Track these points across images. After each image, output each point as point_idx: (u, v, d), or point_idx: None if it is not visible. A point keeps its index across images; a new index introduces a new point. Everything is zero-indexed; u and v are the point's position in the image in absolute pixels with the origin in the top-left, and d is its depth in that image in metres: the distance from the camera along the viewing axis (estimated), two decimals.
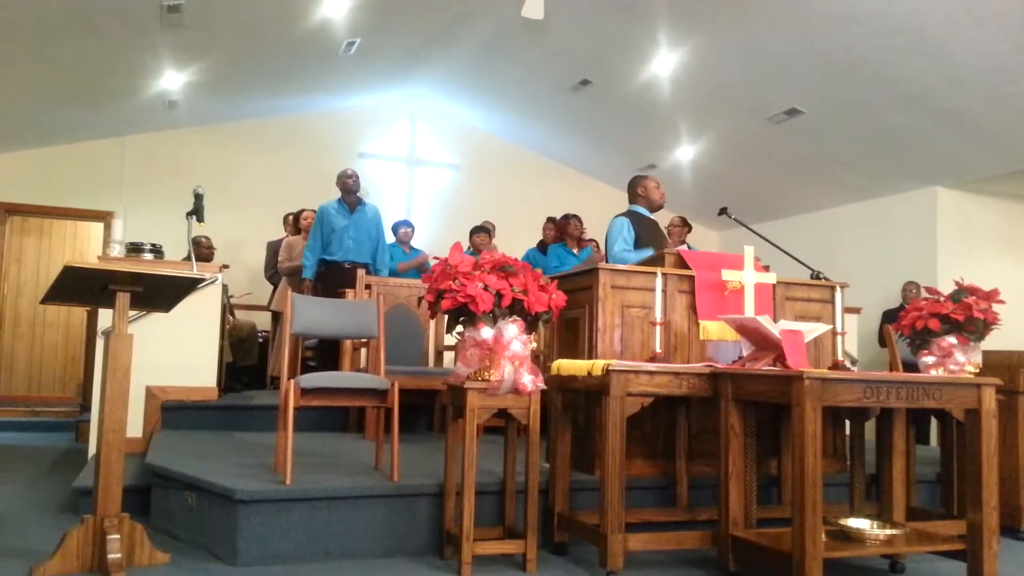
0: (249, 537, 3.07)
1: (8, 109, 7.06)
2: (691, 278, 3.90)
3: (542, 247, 7.43)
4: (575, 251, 6.99)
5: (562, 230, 7.17)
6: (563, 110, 8.49)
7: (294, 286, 6.13)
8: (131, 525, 2.98)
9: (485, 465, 3.62)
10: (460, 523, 3.01)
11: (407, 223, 7.56)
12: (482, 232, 7.32)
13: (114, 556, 2.83)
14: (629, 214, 4.73)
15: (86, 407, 6.40)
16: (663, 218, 5.76)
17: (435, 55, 7.95)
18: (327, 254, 6.04)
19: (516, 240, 7.61)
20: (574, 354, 3.81)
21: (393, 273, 6.64)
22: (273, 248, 7.32)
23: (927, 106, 6.29)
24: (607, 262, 4.45)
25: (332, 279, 5.90)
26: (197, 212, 4.94)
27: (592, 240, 7.42)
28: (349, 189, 6.12)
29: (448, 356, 5.48)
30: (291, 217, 7.27)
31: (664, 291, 3.63)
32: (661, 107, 7.55)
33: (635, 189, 4.78)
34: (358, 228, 6.08)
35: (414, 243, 7.60)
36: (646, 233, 4.65)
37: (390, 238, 7.28)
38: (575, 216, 7.13)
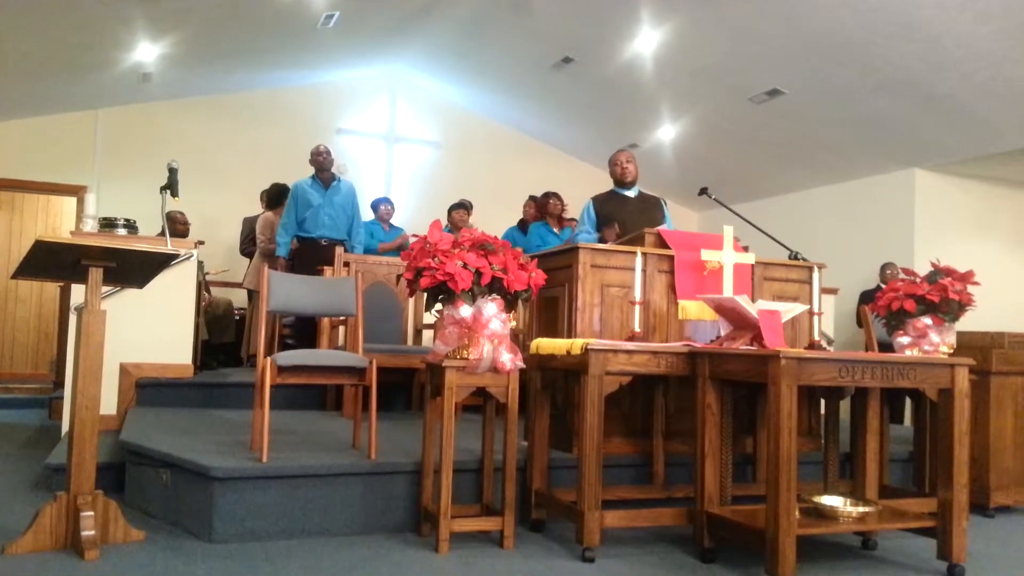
0: (225, 514, 3.06)
1: None
2: (671, 258, 3.91)
3: (522, 225, 7.39)
4: (556, 230, 6.96)
5: (542, 209, 7.13)
6: (545, 88, 8.43)
7: (271, 264, 6.07)
8: (105, 502, 2.95)
9: (463, 443, 3.62)
10: (438, 500, 3.01)
11: (387, 200, 7.46)
12: (460, 208, 7.26)
13: (88, 533, 2.80)
14: (600, 195, 4.82)
15: (59, 384, 6.32)
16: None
17: (415, 30, 7.84)
18: (303, 231, 6.00)
19: (495, 219, 7.57)
20: (553, 333, 3.81)
21: (371, 251, 6.59)
22: (249, 224, 7.22)
23: (908, 89, 6.32)
24: None
25: (309, 256, 5.85)
26: (171, 187, 4.86)
27: (573, 220, 7.38)
28: (321, 166, 6.07)
29: (427, 334, 5.46)
30: (265, 193, 7.16)
31: (644, 271, 3.64)
32: (643, 86, 7.52)
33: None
34: (333, 205, 6.05)
35: (394, 221, 7.53)
36: (613, 212, 4.65)
37: (369, 215, 7.21)
38: (555, 194, 7.08)
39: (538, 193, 7.44)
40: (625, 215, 4.62)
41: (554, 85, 8.24)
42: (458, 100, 9.59)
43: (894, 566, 3.13)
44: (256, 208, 7.33)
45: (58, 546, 2.86)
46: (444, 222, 6.95)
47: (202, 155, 8.12)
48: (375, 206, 7.34)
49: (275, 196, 6.83)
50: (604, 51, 7.14)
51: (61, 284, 6.64)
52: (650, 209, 4.81)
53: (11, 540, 2.83)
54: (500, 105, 9.45)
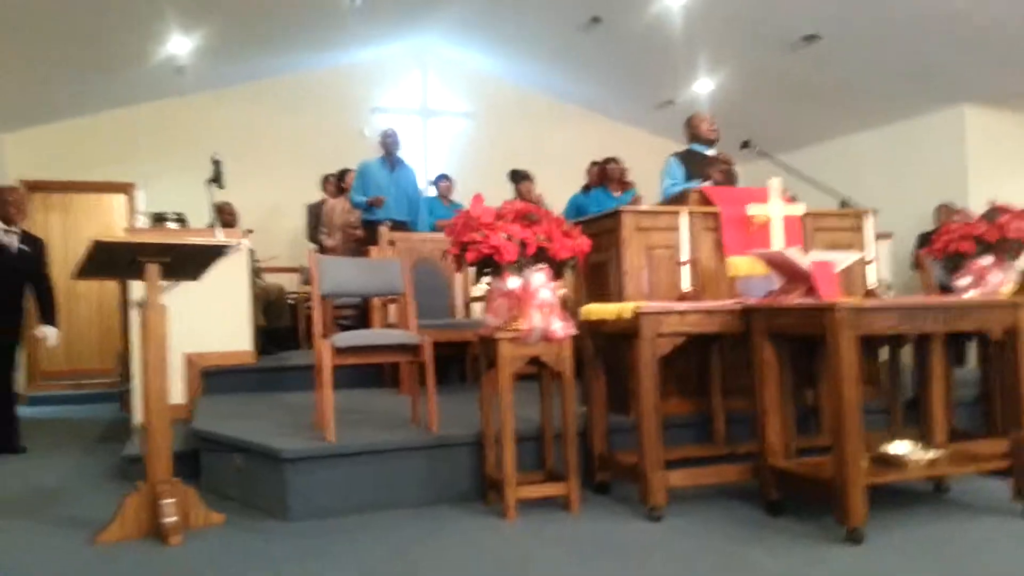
0: (298, 493, 3.16)
1: (20, 84, 7.05)
2: (716, 215, 3.86)
3: (587, 190, 7.34)
4: (616, 194, 6.88)
5: (602, 174, 7.06)
6: (575, 50, 8.31)
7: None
8: (184, 489, 3.06)
9: (521, 412, 3.65)
10: (501, 469, 3.06)
11: (446, 177, 7.54)
12: (526, 180, 7.09)
13: (170, 520, 2.92)
14: (682, 153, 4.90)
15: (127, 376, 6.52)
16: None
17: (441, 1, 7.78)
18: (368, 213, 6.11)
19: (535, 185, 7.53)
20: (603, 298, 3.80)
21: (433, 229, 6.61)
22: (314, 211, 7.35)
23: (950, 26, 6.08)
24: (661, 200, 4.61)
25: (370, 241, 5.91)
26: (217, 179, 4.94)
27: (632, 182, 7.25)
28: (388, 149, 6.20)
29: (476, 307, 5.50)
30: (332, 178, 7.23)
31: (690, 230, 3.59)
32: (674, 40, 7.35)
33: (687, 128, 4.97)
34: (399, 187, 6.20)
35: (454, 196, 7.53)
36: (698, 169, 4.67)
37: (430, 192, 7.31)
38: (614, 159, 6.99)
39: (575, 158, 7.37)
40: (710, 172, 4.68)
41: (584, 46, 8.11)
42: (488, 69, 9.51)
43: (968, 509, 3.08)
44: (313, 193, 7.39)
45: (143, 533, 2.98)
46: (488, 194, 6.94)
47: (241, 143, 8.19)
48: (436, 182, 7.44)
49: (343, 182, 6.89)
50: (633, 7, 7.00)
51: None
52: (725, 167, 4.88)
53: (99, 530, 2.96)
54: (531, 71, 9.35)
